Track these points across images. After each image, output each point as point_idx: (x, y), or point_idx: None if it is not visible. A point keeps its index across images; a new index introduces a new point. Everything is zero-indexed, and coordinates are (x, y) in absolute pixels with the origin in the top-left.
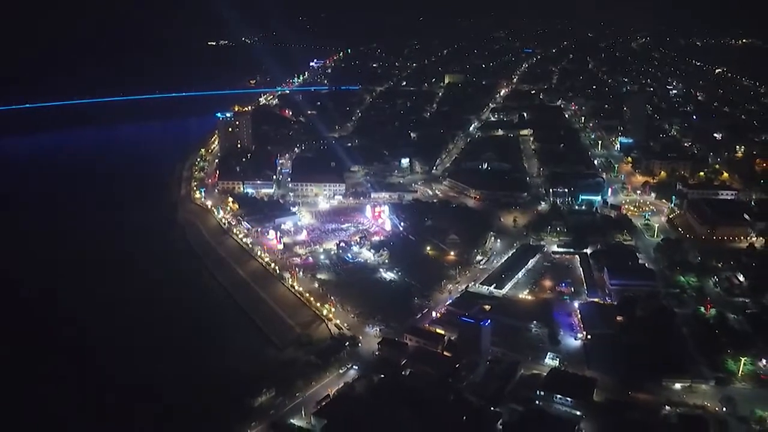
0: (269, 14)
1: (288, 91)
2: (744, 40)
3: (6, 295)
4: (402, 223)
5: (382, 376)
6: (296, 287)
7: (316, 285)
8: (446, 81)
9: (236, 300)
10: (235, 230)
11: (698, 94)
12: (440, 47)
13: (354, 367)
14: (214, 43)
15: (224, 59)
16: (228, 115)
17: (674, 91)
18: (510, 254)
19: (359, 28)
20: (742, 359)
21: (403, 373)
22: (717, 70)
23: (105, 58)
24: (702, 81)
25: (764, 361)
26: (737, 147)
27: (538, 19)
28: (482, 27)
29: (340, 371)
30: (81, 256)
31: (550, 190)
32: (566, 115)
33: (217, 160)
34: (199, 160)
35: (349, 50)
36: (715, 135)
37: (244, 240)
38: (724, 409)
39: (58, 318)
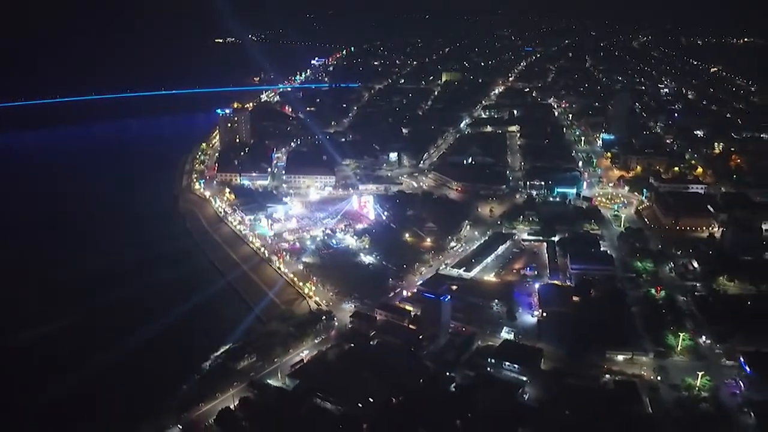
0: (277, 12)
1: (290, 89)
2: (745, 39)
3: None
4: (385, 213)
5: (352, 345)
6: (282, 269)
7: (301, 267)
8: (443, 79)
9: (228, 280)
10: (230, 218)
11: (689, 92)
12: (443, 45)
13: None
14: (221, 41)
15: (231, 57)
16: (227, 111)
17: (665, 90)
18: (482, 241)
19: (365, 26)
20: (681, 335)
21: (371, 342)
22: (712, 69)
23: (112, 56)
24: (695, 80)
25: (704, 337)
26: (716, 144)
27: (545, 18)
28: (488, 25)
29: (315, 341)
30: (88, 244)
31: (528, 182)
32: (556, 113)
33: (217, 154)
34: (200, 153)
35: (353, 48)
36: (696, 132)
37: (238, 227)
38: (658, 377)
39: (67, 292)
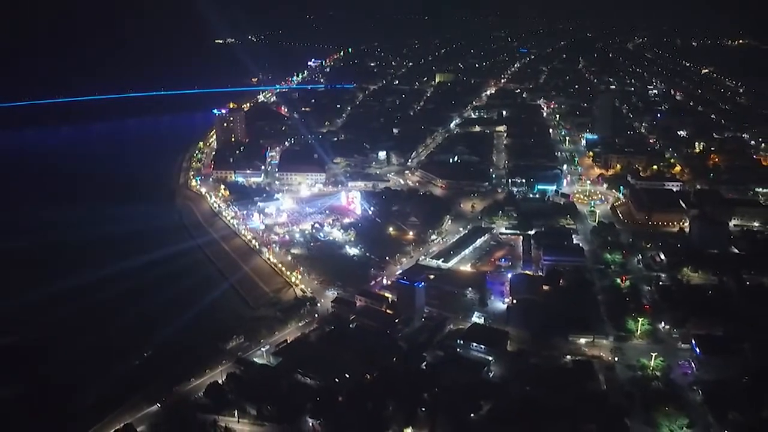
0: (277, 12)
1: (286, 89)
2: (740, 41)
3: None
4: (371, 208)
5: (333, 327)
6: (272, 260)
7: (289, 258)
8: (437, 80)
9: (221, 270)
10: (224, 213)
11: (677, 93)
12: (439, 47)
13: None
14: (220, 42)
15: (230, 57)
16: (224, 111)
17: (654, 91)
18: (461, 234)
19: (364, 27)
20: (640, 320)
21: (350, 325)
22: (704, 71)
23: (112, 57)
24: (684, 81)
25: (663, 323)
26: (697, 143)
27: (543, 19)
28: (486, 26)
29: (299, 324)
30: (88, 236)
31: (509, 180)
32: (543, 113)
33: (213, 152)
34: (197, 152)
35: (350, 49)
36: (680, 132)
37: (232, 221)
38: (615, 358)
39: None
